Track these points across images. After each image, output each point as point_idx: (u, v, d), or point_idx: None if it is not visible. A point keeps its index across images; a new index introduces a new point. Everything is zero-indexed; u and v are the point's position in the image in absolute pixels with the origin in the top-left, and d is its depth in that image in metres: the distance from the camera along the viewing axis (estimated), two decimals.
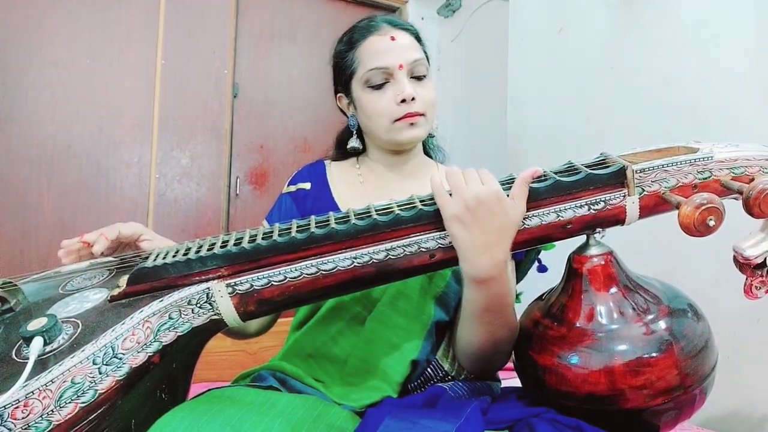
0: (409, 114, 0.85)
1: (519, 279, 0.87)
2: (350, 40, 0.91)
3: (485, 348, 0.72)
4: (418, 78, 0.87)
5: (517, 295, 0.87)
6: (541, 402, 0.65)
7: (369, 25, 0.90)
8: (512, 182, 0.64)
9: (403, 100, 0.84)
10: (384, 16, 0.92)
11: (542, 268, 0.87)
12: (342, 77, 0.93)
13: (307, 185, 0.95)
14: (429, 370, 0.82)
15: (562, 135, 1.85)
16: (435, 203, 0.63)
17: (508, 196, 0.62)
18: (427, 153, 1.02)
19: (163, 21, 2.32)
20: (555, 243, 0.77)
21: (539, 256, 0.87)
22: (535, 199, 0.63)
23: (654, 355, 0.58)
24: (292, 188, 0.96)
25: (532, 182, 0.63)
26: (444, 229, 0.63)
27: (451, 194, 0.62)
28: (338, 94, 0.97)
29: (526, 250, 0.84)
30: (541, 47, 1.96)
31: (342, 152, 1.00)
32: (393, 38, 0.87)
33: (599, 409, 0.60)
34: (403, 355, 0.79)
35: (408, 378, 0.79)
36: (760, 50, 1.23)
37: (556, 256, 0.80)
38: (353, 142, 0.95)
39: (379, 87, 0.86)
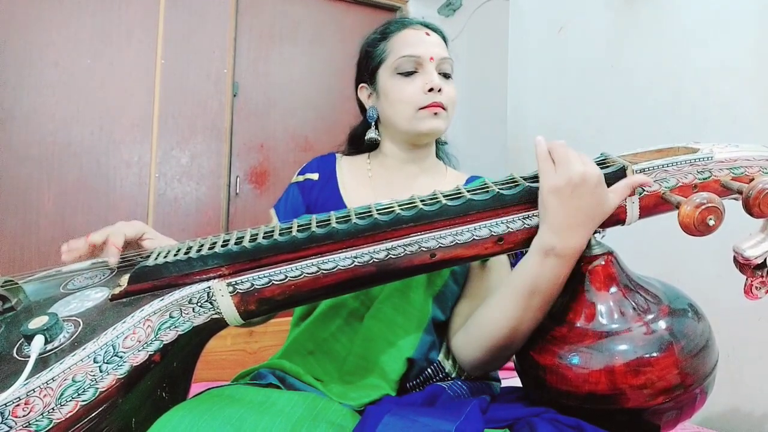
0: (435, 103, 0.87)
1: None
2: (385, 30, 0.95)
3: (503, 338, 0.69)
4: (445, 75, 0.91)
5: None
6: (541, 402, 0.65)
7: (405, 21, 0.95)
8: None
9: (431, 89, 0.87)
10: (418, 19, 0.97)
11: None
12: (369, 65, 0.95)
13: (315, 176, 0.97)
14: (429, 370, 0.82)
15: (562, 135, 1.83)
16: (435, 203, 0.64)
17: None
18: (438, 158, 1.02)
19: (163, 21, 2.32)
20: None
21: None
22: (535, 198, 0.63)
23: (654, 354, 0.58)
24: (300, 178, 0.98)
25: (532, 182, 0.64)
26: (443, 229, 0.63)
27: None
28: (360, 85, 0.99)
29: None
30: (541, 47, 1.96)
31: (355, 147, 1.02)
32: (428, 33, 0.92)
33: (600, 409, 0.60)
34: (400, 353, 0.79)
35: (405, 376, 0.79)
36: (760, 50, 1.23)
37: None
38: (372, 133, 0.96)
39: (408, 74, 0.89)
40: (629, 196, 0.63)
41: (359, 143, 1.00)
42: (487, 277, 0.84)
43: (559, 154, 0.63)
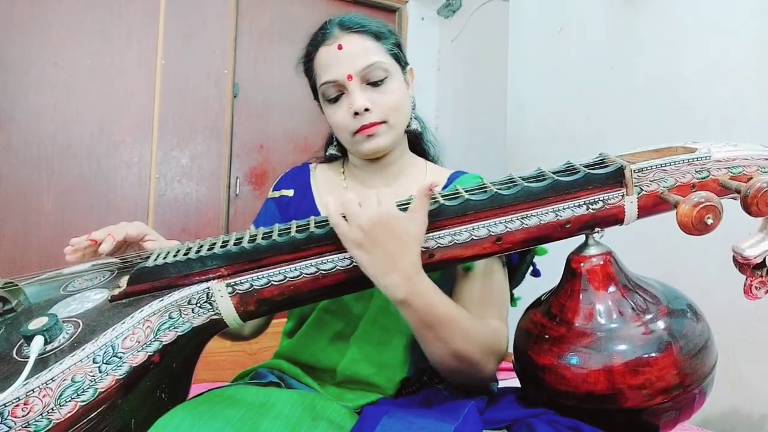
0: (364, 126, 0.81)
1: (515, 284, 0.86)
2: (307, 51, 0.88)
3: (450, 362, 0.69)
4: (375, 84, 0.82)
5: (515, 300, 0.87)
6: (539, 402, 0.65)
7: (320, 34, 0.86)
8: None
9: (356, 113, 0.81)
10: (340, 17, 0.87)
11: (536, 272, 0.86)
12: (312, 88, 0.91)
13: (290, 192, 0.94)
14: (425, 377, 0.82)
15: (561, 135, 1.85)
16: (433, 203, 0.63)
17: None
18: (420, 150, 0.98)
19: (163, 21, 2.32)
20: (547, 248, 0.77)
21: (534, 260, 0.86)
22: (534, 198, 0.63)
23: (653, 354, 0.58)
24: (276, 194, 0.95)
25: (530, 182, 0.64)
26: (441, 229, 0.63)
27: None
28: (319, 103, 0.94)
29: (520, 255, 0.84)
30: (541, 47, 1.96)
31: (328, 155, 0.99)
32: (340, 47, 0.82)
33: (598, 409, 0.60)
34: (393, 373, 0.79)
35: (401, 388, 0.79)
36: (760, 50, 1.23)
37: (555, 257, 0.80)
38: (332, 150, 0.95)
39: (335, 100, 0.83)
40: (627, 195, 0.62)
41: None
42: (473, 282, 0.79)
43: (346, 211, 0.62)
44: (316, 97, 0.92)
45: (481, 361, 0.69)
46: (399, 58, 0.87)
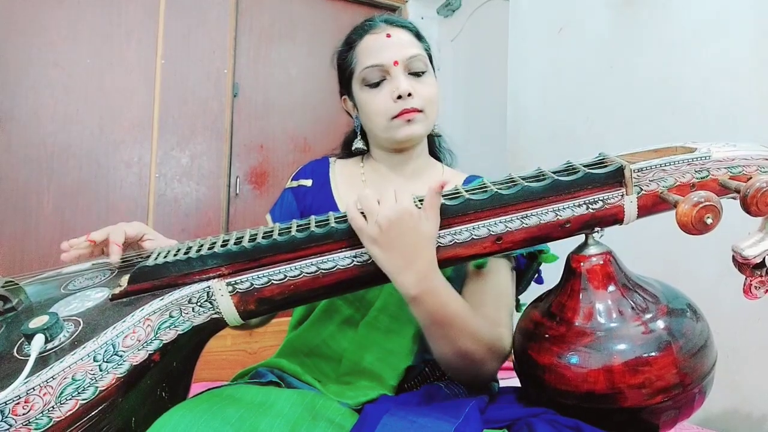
0: (405, 110, 0.84)
1: (521, 290, 0.87)
2: (349, 40, 0.92)
3: (455, 361, 0.70)
4: (417, 74, 0.87)
5: (520, 306, 0.87)
6: (540, 401, 0.65)
7: (366, 25, 0.91)
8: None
9: (399, 97, 0.84)
10: (383, 15, 0.93)
11: (539, 280, 0.86)
12: (343, 78, 0.94)
13: (309, 182, 0.96)
14: (427, 369, 0.82)
15: (561, 135, 1.85)
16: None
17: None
18: (435, 154, 1.01)
19: (163, 21, 2.32)
20: (557, 255, 0.77)
21: (540, 268, 0.86)
22: (533, 198, 0.63)
23: (653, 354, 0.58)
24: (294, 184, 0.97)
25: (530, 182, 0.64)
26: (444, 228, 0.63)
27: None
28: (343, 96, 0.97)
29: (528, 261, 0.84)
30: (541, 47, 1.96)
31: (348, 152, 1.01)
32: (389, 35, 0.87)
33: (598, 408, 0.60)
34: (398, 361, 0.79)
35: (403, 380, 0.79)
36: (759, 50, 1.24)
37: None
38: (358, 143, 0.95)
39: (375, 85, 0.86)
40: (627, 194, 0.63)
41: (351, 149, 0.99)
42: (483, 283, 0.81)
43: (364, 206, 0.63)
44: (345, 90, 0.95)
45: (485, 360, 0.70)
46: (432, 60, 0.92)
